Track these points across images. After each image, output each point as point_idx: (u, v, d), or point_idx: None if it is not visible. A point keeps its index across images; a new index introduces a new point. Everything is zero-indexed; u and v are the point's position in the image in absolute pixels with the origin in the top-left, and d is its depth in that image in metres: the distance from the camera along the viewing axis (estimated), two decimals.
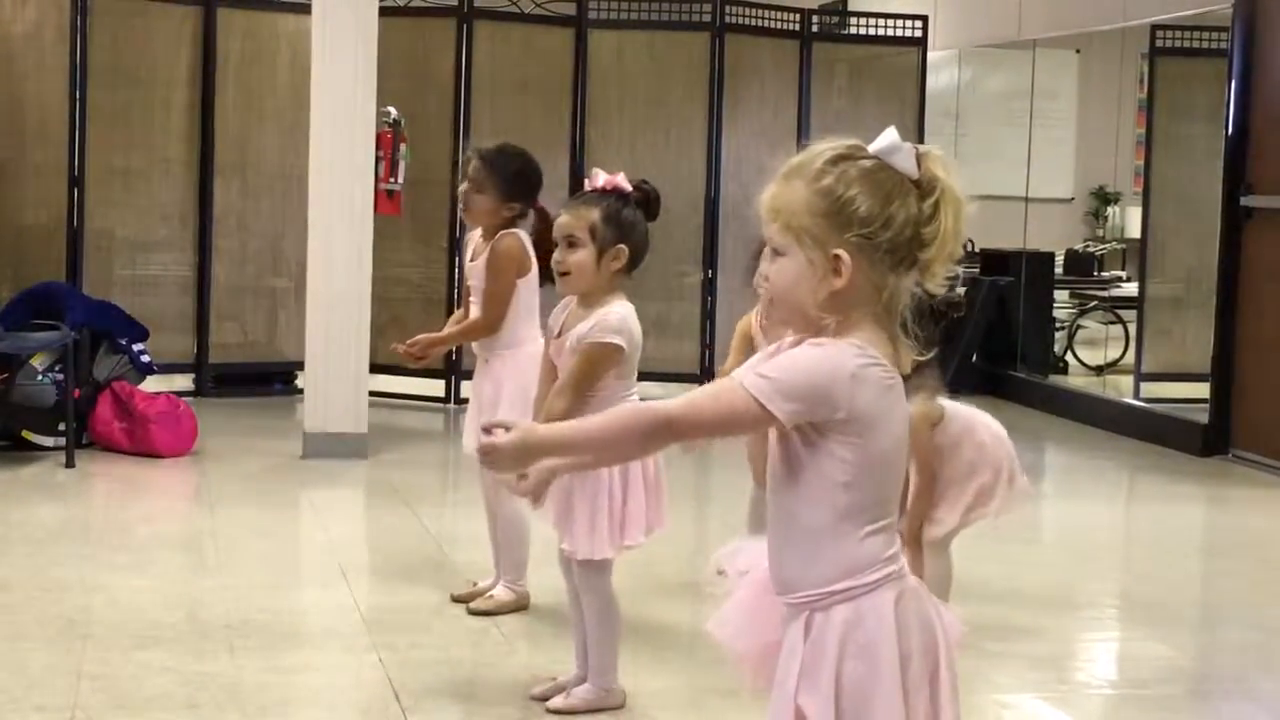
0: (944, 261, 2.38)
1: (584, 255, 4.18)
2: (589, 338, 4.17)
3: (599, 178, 4.27)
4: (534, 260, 5.23)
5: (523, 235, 5.28)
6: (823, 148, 2.40)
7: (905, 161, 2.37)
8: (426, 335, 5.50)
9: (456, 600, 5.39)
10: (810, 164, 2.38)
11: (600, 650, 4.34)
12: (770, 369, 2.33)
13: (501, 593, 5.35)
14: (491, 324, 5.29)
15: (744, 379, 2.32)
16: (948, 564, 5.08)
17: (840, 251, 2.33)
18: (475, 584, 5.47)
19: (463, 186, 5.37)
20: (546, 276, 5.33)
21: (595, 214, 4.18)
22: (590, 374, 4.17)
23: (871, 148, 2.39)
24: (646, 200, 4.27)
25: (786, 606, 2.44)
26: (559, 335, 4.30)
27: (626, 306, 4.23)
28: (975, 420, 5.18)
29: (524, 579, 5.37)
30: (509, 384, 5.19)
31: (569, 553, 4.30)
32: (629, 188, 4.25)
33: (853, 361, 2.33)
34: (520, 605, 5.34)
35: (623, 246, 4.19)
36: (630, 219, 4.21)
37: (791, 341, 2.43)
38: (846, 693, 2.36)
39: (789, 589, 2.43)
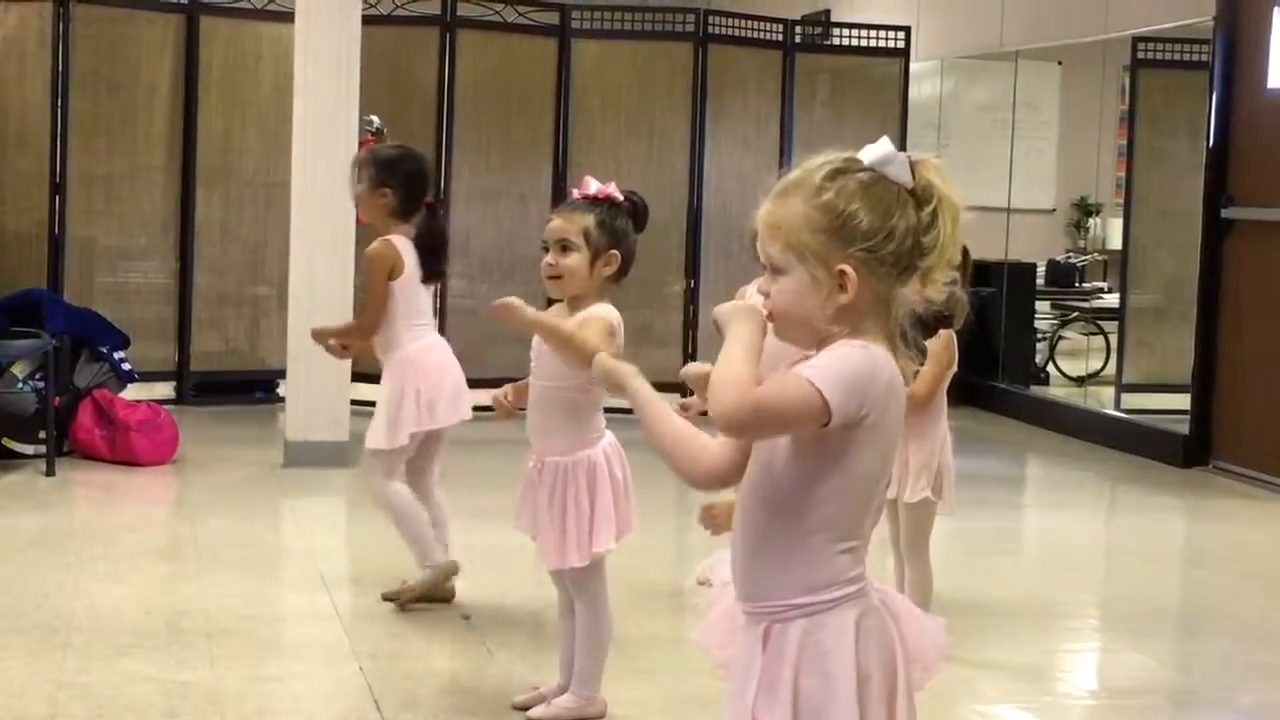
0: (943, 268, 2.38)
1: (577, 259, 4.22)
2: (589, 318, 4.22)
3: (590, 185, 4.30)
4: (406, 261, 5.41)
5: (395, 240, 5.43)
6: (818, 162, 2.39)
7: (900, 171, 2.37)
8: (318, 328, 5.73)
9: (386, 599, 5.48)
10: (807, 180, 2.37)
11: (587, 658, 4.34)
12: (822, 361, 2.31)
13: (420, 575, 5.42)
14: (366, 327, 5.50)
15: (802, 370, 2.29)
16: (928, 572, 5.08)
17: (845, 267, 2.33)
18: (405, 582, 5.52)
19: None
20: (432, 275, 5.56)
21: (589, 220, 4.22)
22: (597, 336, 4.15)
23: (865, 159, 2.38)
24: (635, 211, 4.31)
25: (745, 615, 2.44)
26: None
27: (613, 309, 4.26)
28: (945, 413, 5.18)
29: (436, 554, 5.41)
30: (401, 385, 5.37)
31: (554, 571, 4.33)
32: (620, 197, 4.28)
33: (889, 367, 2.34)
34: (444, 576, 5.41)
35: (615, 253, 4.23)
36: (623, 227, 4.26)
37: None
38: (803, 707, 2.35)
39: (751, 598, 2.43)
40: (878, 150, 2.38)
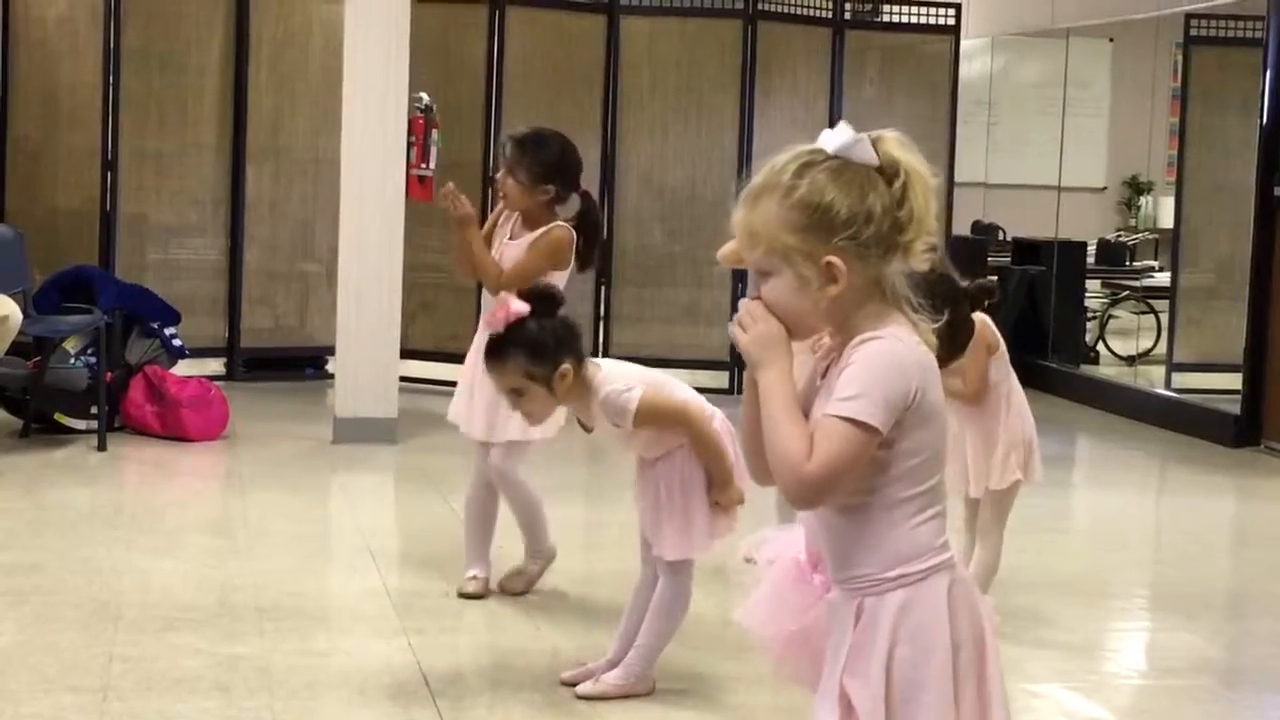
0: (922, 238, 2.37)
1: None
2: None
3: None
4: (572, 259, 5.23)
5: (569, 229, 5.23)
6: (782, 161, 2.37)
7: (864, 152, 2.35)
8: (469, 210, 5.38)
9: (506, 591, 5.39)
10: (776, 180, 2.35)
11: (654, 635, 4.36)
12: (852, 388, 2.29)
13: (528, 565, 5.38)
14: (505, 282, 5.10)
15: (837, 412, 2.28)
16: (999, 553, 5.06)
17: (831, 259, 2.31)
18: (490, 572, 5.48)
19: (499, 173, 5.35)
20: (586, 261, 5.31)
21: None
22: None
23: (829, 147, 2.36)
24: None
25: (840, 591, 2.43)
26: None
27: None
28: (1017, 386, 5.13)
29: (545, 542, 5.37)
30: None
31: (657, 555, 4.34)
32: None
33: (916, 348, 2.34)
34: (549, 562, 5.39)
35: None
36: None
37: (830, 346, 2.42)
38: (897, 679, 2.35)
39: (843, 574, 2.42)
40: (838, 137, 2.36)
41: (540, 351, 4.07)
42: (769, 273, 2.35)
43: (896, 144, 2.37)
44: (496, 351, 4.13)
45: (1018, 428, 5.03)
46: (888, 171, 2.35)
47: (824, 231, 2.31)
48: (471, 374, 5.28)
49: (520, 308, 4.12)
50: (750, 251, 2.36)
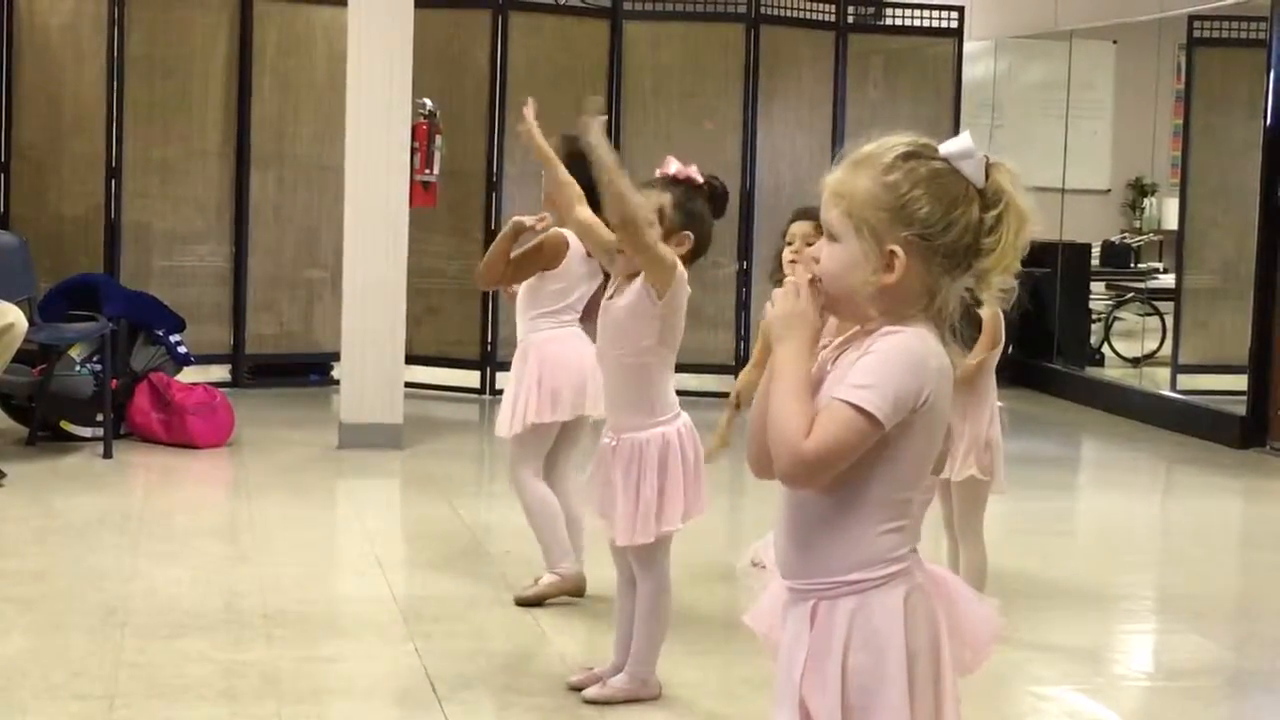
0: (1002, 273, 2.38)
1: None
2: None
3: (671, 165, 4.28)
4: (572, 260, 5.23)
5: (569, 235, 5.19)
6: (894, 141, 2.39)
7: (974, 169, 2.37)
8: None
9: (519, 602, 5.33)
10: (880, 156, 2.37)
11: (645, 638, 4.35)
12: (865, 377, 2.30)
13: (546, 578, 5.31)
14: (481, 272, 5.41)
15: (846, 397, 2.29)
16: (983, 553, 5.06)
17: (895, 248, 2.33)
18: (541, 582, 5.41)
19: None
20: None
21: (665, 199, 4.21)
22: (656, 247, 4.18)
23: (943, 149, 2.38)
24: (714, 195, 4.31)
25: (790, 592, 2.44)
26: (610, 298, 4.32)
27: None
28: (993, 387, 5.11)
29: (566, 561, 5.28)
30: (521, 373, 5.25)
31: (611, 539, 4.33)
32: (700, 180, 4.28)
33: (937, 352, 2.34)
34: (568, 589, 5.28)
35: (688, 234, 4.22)
36: (699, 211, 4.27)
37: (851, 335, 2.42)
38: (852, 685, 2.35)
39: (797, 575, 2.43)
40: (957, 144, 2.39)
41: (688, 212, 4.26)
42: (836, 238, 2.38)
43: (1009, 177, 2.39)
44: (655, 182, 4.29)
45: (982, 425, 4.99)
46: (988, 197, 2.37)
47: (900, 221, 2.34)
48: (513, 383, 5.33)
49: (697, 176, 4.31)
50: (829, 210, 2.39)
